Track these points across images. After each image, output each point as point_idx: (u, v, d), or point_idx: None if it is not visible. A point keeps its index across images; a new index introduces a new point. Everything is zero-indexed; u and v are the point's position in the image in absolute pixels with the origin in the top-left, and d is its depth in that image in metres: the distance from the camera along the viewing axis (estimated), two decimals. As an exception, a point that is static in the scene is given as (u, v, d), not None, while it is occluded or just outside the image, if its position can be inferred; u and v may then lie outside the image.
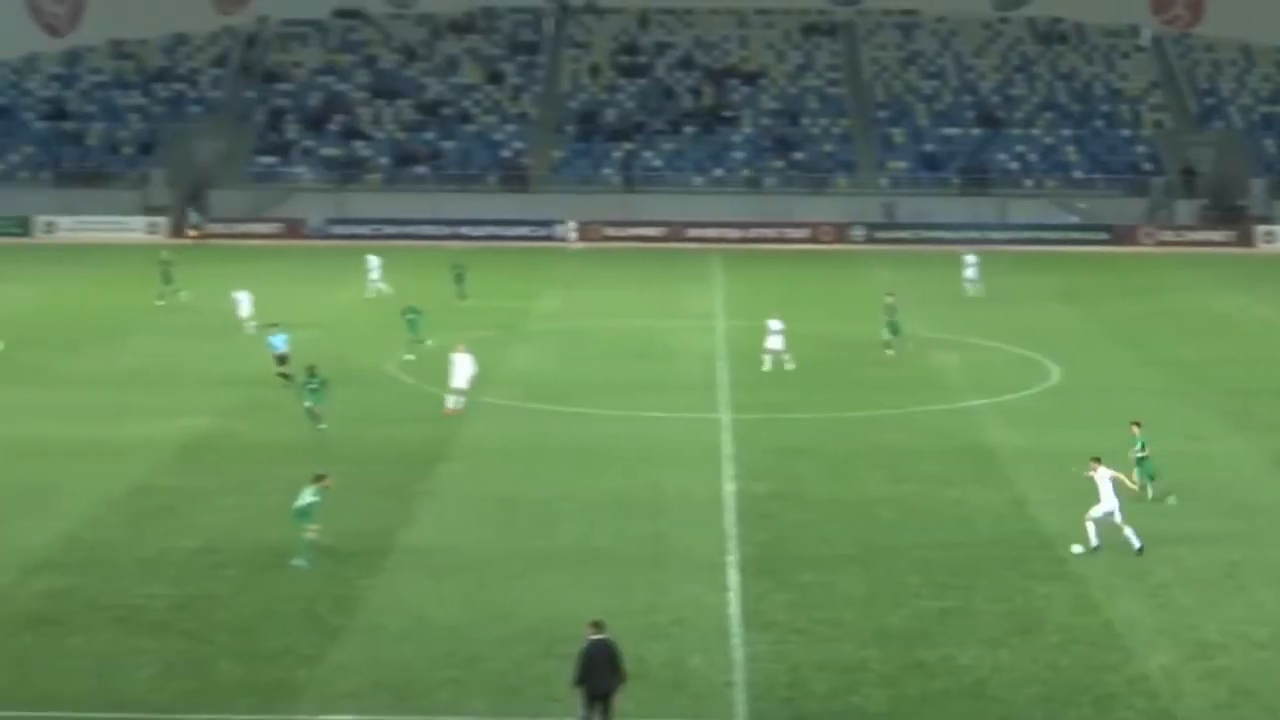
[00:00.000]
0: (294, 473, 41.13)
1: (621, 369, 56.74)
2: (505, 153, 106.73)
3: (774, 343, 55.26)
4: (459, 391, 48.68)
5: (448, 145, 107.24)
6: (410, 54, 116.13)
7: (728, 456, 44.00)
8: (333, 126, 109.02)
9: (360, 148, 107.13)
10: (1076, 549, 35.07)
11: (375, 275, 73.16)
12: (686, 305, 72.19)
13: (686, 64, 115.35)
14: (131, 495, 40.11)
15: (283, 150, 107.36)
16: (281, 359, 52.49)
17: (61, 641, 30.05)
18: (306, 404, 46.19)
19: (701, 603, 32.24)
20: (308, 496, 34.26)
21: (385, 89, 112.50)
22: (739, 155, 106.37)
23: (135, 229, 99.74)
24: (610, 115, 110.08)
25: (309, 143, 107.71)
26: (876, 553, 35.43)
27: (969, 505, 39.15)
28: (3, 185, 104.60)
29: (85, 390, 51.86)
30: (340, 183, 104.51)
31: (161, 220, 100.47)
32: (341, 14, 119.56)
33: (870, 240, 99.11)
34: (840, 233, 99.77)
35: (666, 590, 32.97)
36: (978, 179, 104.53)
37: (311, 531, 33.95)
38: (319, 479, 34.66)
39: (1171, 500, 38.77)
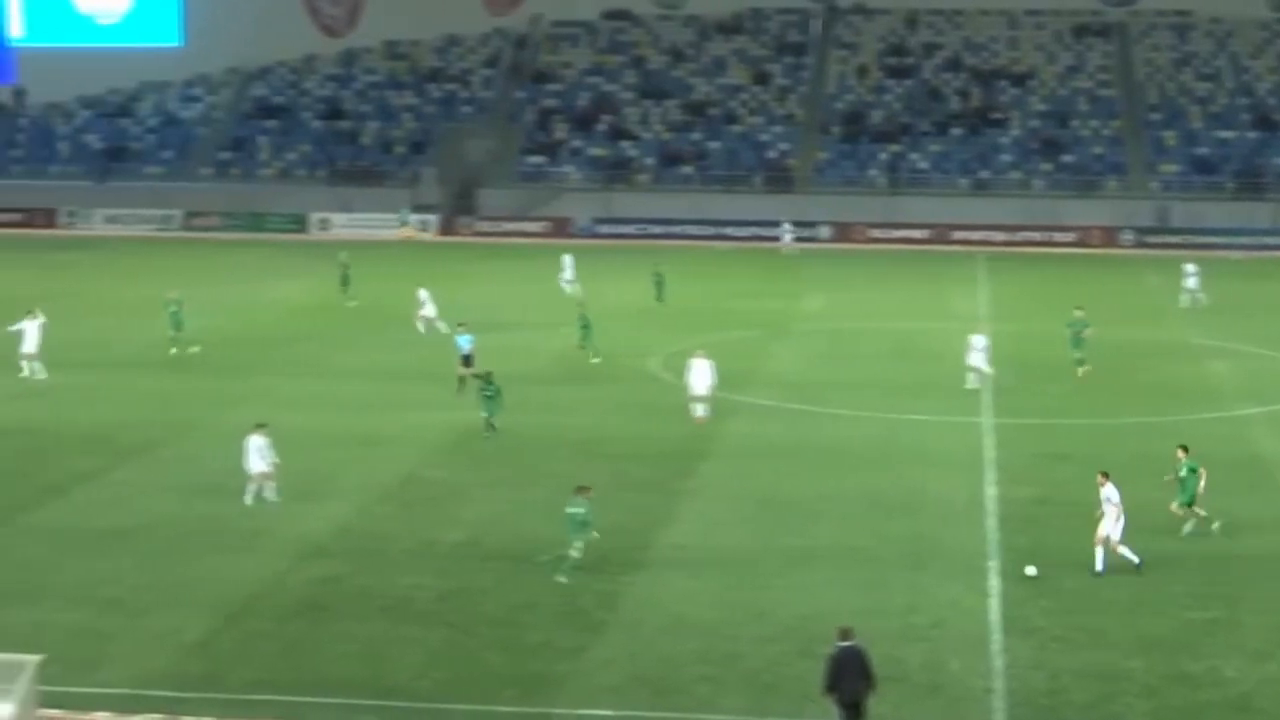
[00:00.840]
0: (558, 467, 41.86)
1: (883, 371, 56.49)
2: (770, 154, 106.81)
3: (976, 360, 53.13)
4: (700, 399, 47.96)
5: (713, 146, 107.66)
6: (678, 55, 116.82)
7: (990, 460, 43.60)
8: (600, 127, 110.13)
9: (627, 148, 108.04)
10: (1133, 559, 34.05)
11: (569, 275, 73.44)
12: (950, 308, 71.58)
13: (954, 65, 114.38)
14: (400, 486, 41.00)
15: (551, 150, 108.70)
16: (466, 359, 52.14)
17: (330, 628, 30.82)
18: (482, 413, 45.80)
19: (961, 606, 32.02)
20: (576, 510, 33.74)
21: (653, 90, 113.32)
22: (1006, 158, 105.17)
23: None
24: (876, 116, 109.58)
25: (577, 143, 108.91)
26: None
27: (1237, 516, 38.27)
28: (280, 183, 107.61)
29: (358, 382, 53.09)
30: (607, 182, 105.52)
31: (431, 218, 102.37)
32: (610, 15, 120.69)
33: (1140, 245, 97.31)
34: (1109, 237, 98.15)
35: (925, 592, 32.82)
36: (1252, 183, 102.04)
37: (576, 549, 33.57)
38: (581, 490, 34.11)
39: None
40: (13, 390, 52.17)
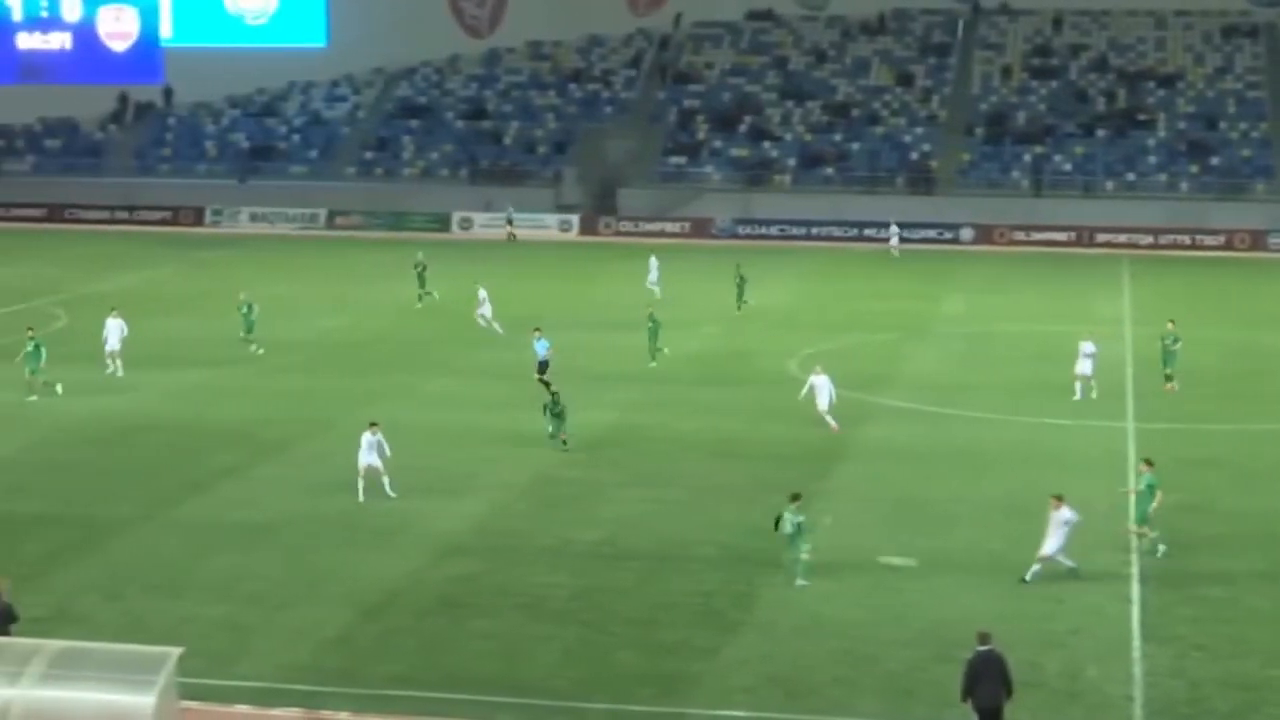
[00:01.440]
0: (695, 468, 41.89)
1: (1024, 374, 55.93)
2: (913, 155, 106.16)
3: (1084, 367, 51.74)
4: (825, 413, 47.07)
5: (855, 147, 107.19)
6: (821, 56, 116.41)
7: (1132, 465, 43.03)
8: (742, 127, 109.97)
9: (769, 149, 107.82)
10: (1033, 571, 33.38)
11: (654, 277, 73.09)
12: (1093, 311, 70.74)
13: (1100, 66, 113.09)
14: (537, 485, 41.19)
15: (692, 150, 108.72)
16: (542, 366, 51.81)
17: (468, 625, 31.03)
18: (547, 429, 44.57)
19: (1101, 613, 31.69)
20: (792, 519, 33.56)
21: (795, 90, 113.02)
22: (1153, 160, 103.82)
23: (548, 226, 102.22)
24: (1020, 118, 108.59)
25: (718, 143, 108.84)
26: (1286, 570, 34.37)
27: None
28: (423, 182, 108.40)
29: (495, 381, 53.35)
30: (748, 183, 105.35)
31: (573, 218, 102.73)
32: (753, 16, 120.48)
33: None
34: (1257, 240, 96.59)
35: (1064, 598, 32.49)
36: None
37: (807, 553, 33.46)
38: (795, 498, 34.06)
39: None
40: (165, 387, 52.94)
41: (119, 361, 54.45)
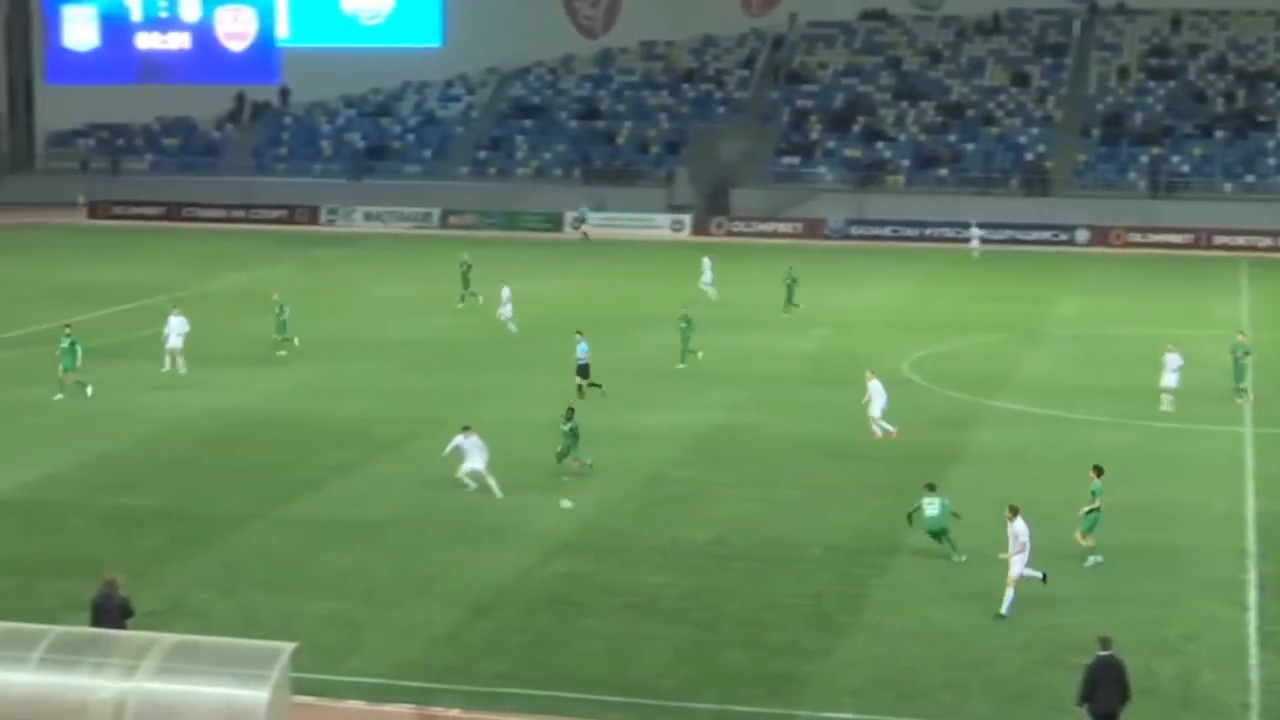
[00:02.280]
0: (806, 468, 41.76)
1: (1139, 378, 55.12)
2: (1028, 156, 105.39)
3: (1169, 380, 50.50)
4: (877, 421, 46.44)
5: (969, 148, 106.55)
6: (935, 56, 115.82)
7: (1251, 471, 42.54)
8: (855, 127, 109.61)
9: (882, 149, 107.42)
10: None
11: (708, 278, 72.60)
12: (1211, 315, 69.96)
13: (1219, 66, 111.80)
14: (647, 484, 41.18)
15: (805, 151, 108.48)
16: (582, 369, 51.23)
17: (576, 624, 31.06)
18: (558, 449, 42.00)
19: (1217, 620, 31.30)
20: (934, 508, 34.25)
21: (909, 91, 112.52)
22: (1272, 161, 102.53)
23: (660, 226, 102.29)
24: (1137, 118, 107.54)
25: (831, 143, 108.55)
26: (1407, 579, 33.80)
27: None
28: (537, 181, 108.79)
29: (609, 379, 53.32)
30: (860, 184, 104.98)
31: (685, 218, 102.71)
32: (867, 16, 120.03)
33: None
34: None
35: (1179, 604, 32.14)
36: None
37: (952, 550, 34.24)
38: (930, 488, 34.72)
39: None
40: (279, 384, 53.39)
41: (180, 359, 54.27)
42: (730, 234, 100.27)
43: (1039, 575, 32.18)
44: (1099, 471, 35.37)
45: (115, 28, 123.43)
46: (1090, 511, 34.90)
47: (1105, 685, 24.69)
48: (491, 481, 39.33)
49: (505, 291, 63.60)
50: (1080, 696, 24.83)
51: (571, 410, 42.40)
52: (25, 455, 43.66)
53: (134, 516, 37.95)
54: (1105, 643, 25.01)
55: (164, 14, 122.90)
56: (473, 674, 28.52)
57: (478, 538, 36.30)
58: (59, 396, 50.30)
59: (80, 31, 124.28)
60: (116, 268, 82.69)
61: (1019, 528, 31.78)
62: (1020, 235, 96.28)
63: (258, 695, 23.55)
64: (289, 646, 24.41)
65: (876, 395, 46.35)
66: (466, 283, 69.96)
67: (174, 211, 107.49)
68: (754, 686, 28.08)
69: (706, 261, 73.39)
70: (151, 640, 24.50)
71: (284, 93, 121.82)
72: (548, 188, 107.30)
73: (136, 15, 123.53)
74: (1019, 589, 31.49)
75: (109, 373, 53.35)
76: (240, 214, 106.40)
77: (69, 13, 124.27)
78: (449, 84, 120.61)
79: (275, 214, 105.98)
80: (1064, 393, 52.64)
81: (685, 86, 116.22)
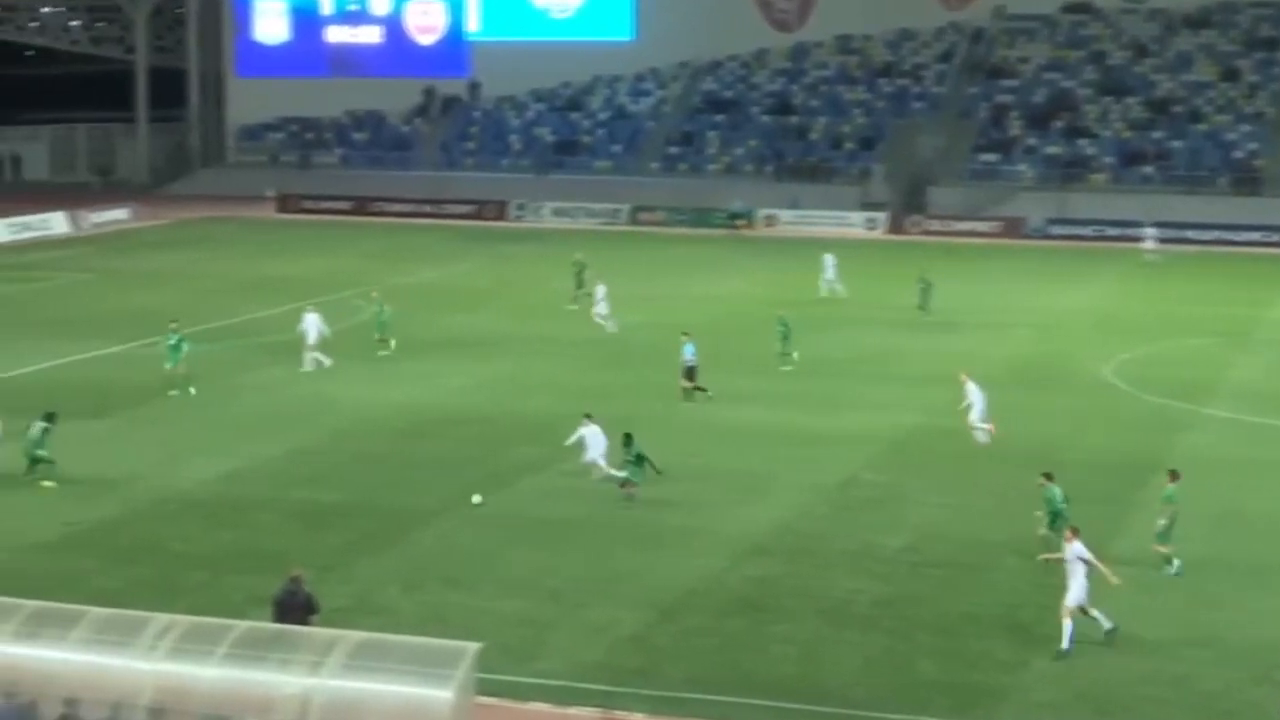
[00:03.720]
0: (1005, 475, 40.72)
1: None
2: (1237, 154, 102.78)
3: None
4: (977, 425, 44.79)
5: (1176, 145, 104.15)
6: (1141, 50, 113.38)
7: None
8: (1057, 124, 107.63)
9: (1085, 146, 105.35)
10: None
11: (830, 275, 70.80)
12: None
13: None
14: (841, 487, 40.48)
15: (1005, 148, 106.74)
16: (689, 372, 49.97)
17: (767, 628, 30.49)
18: (620, 473, 39.33)
19: None
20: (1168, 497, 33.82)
21: (1113, 86, 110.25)
22: None
23: (854, 224, 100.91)
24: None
25: (1032, 140, 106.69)
26: None
27: None
28: (728, 178, 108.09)
29: (801, 380, 52.65)
30: (1062, 182, 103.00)
31: (880, 216, 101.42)
32: (1071, 9, 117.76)
33: None
34: None
35: (1398, 623, 30.78)
36: None
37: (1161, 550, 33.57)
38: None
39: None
40: (468, 380, 53.35)
41: (313, 355, 54.08)
42: (926, 233, 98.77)
43: (1108, 625, 29.68)
44: (1049, 477, 34.43)
45: (305, 21, 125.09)
46: (1051, 508, 33.87)
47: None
48: (610, 471, 39.03)
49: (600, 290, 62.77)
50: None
51: (629, 436, 39.39)
52: (214, 448, 43.87)
53: (321, 511, 37.94)
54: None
55: (354, 7, 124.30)
56: (659, 677, 28.07)
57: (666, 539, 35.85)
58: (173, 393, 50.09)
59: (271, 25, 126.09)
60: (305, 262, 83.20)
61: (1077, 550, 29.82)
62: (1229, 236, 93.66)
63: (442, 695, 23.30)
64: (474, 646, 24.06)
65: (975, 398, 45.05)
66: (580, 283, 68.93)
67: (362, 206, 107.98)
68: (946, 697, 27.37)
69: (828, 259, 71.73)
70: (337, 637, 24.39)
71: (473, 87, 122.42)
72: (739, 184, 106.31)
73: (327, 9, 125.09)
74: (1076, 620, 29.35)
75: (298, 366, 53.87)
76: (428, 209, 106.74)
77: (260, 6, 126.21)
78: (640, 78, 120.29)
79: (463, 209, 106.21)
80: (1277, 399, 50.91)
81: (881, 81, 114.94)
